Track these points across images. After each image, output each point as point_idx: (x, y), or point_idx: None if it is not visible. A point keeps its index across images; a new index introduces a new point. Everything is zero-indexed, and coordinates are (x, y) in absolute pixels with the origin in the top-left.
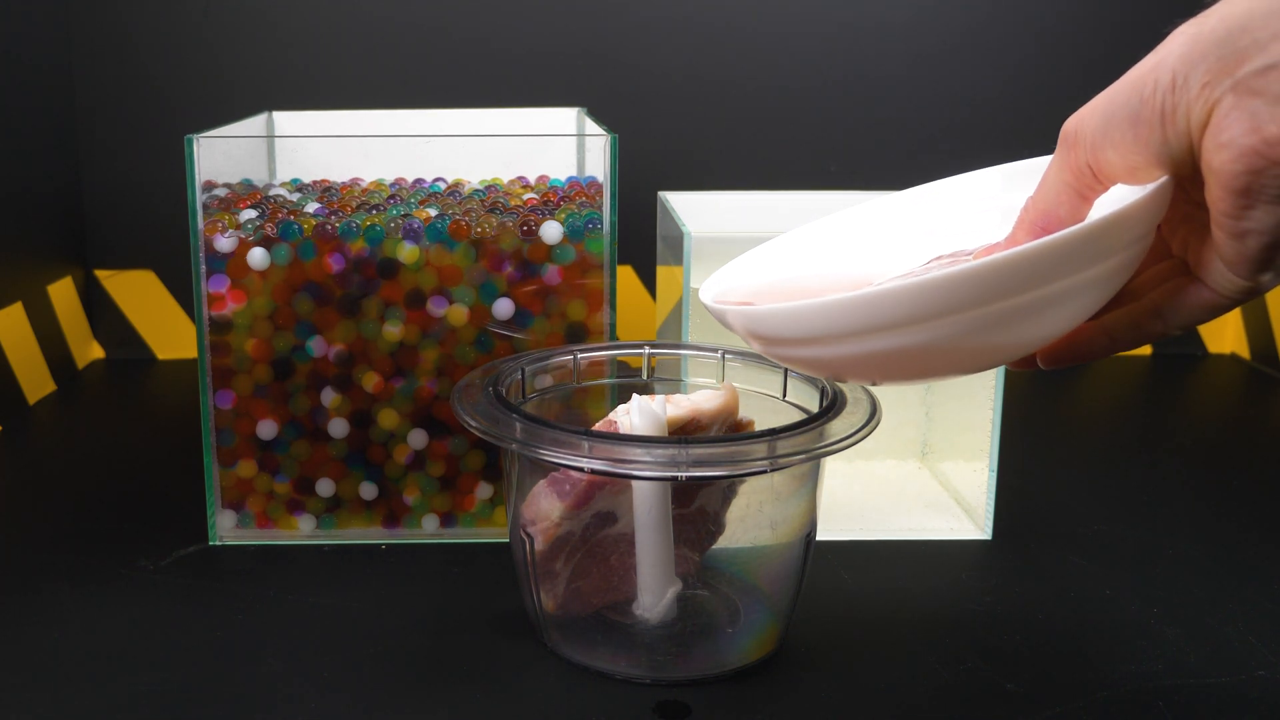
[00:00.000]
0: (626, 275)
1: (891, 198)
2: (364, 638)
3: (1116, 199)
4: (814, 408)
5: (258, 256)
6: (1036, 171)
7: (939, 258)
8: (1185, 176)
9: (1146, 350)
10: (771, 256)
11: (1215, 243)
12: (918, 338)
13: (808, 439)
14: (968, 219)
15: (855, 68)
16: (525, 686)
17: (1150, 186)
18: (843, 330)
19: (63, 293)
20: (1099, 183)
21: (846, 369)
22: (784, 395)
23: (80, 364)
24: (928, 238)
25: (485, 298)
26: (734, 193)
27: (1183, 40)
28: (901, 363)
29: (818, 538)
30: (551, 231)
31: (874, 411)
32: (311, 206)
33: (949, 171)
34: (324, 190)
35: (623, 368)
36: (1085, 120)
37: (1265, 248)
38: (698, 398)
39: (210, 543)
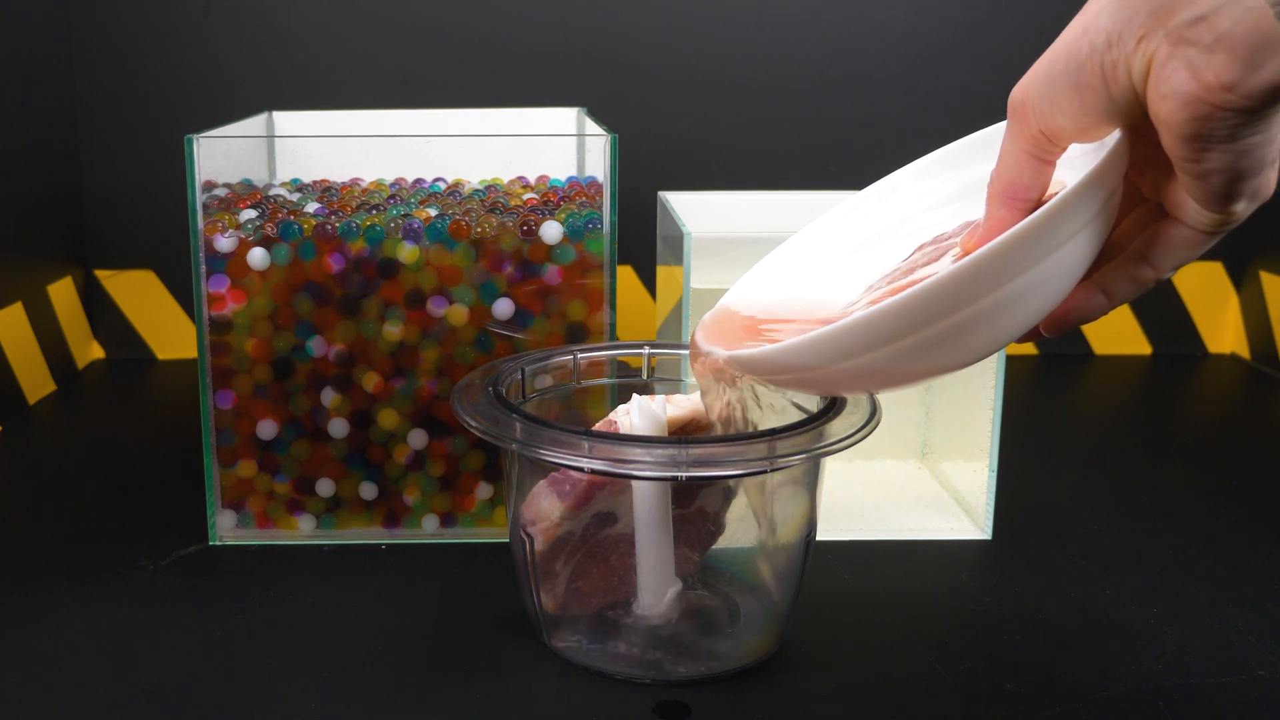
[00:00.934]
0: (626, 275)
1: (857, 198)
2: (364, 638)
3: (1075, 156)
4: (814, 408)
5: (258, 256)
6: (990, 139)
7: (921, 246)
8: (1138, 124)
9: (1146, 350)
10: (760, 281)
11: (1183, 184)
12: (917, 344)
13: (808, 439)
14: (937, 201)
15: (855, 68)
16: (525, 686)
17: (1106, 146)
18: (836, 357)
19: (63, 293)
20: (1055, 146)
21: (843, 386)
22: (787, 395)
23: (80, 364)
24: (905, 225)
25: (485, 298)
26: (734, 193)
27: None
28: (912, 365)
29: (818, 538)
30: (551, 231)
31: (874, 412)
32: (311, 206)
33: None
34: (324, 190)
35: (623, 368)
36: (1029, 89)
37: (1229, 183)
38: (698, 398)
39: (210, 543)
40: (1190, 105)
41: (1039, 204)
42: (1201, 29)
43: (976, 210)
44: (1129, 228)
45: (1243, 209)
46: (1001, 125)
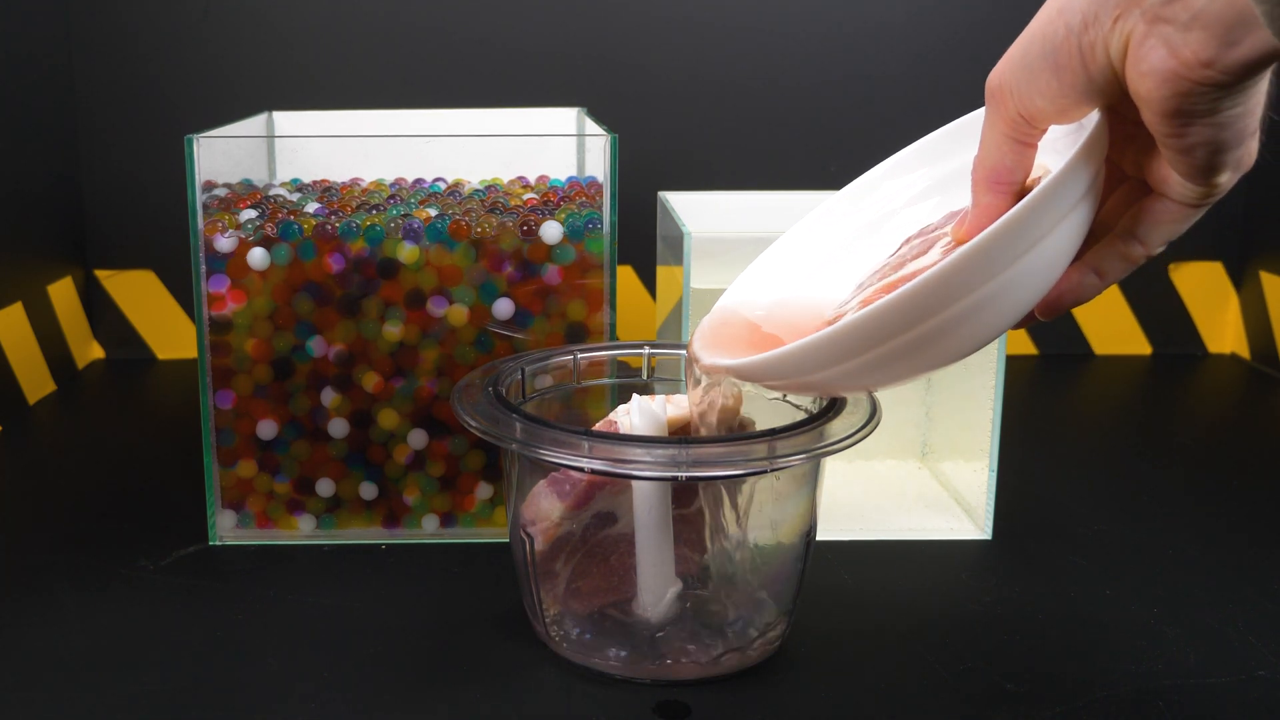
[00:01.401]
0: (626, 275)
1: (837, 197)
2: (364, 638)
3: (1055, 138)
4: (814, 408)
5: (258, 256)
6: (961, 132)
7: (908, 240)
8: (1116, 103)
9: (1146, 350)
10: (754, 283)
11: (1166, 159)
12: (918, 338)
13: (808, 439)
14: (917, 194)
15: (855, 68)
16: (525, 686)
17: (1086, 127)
18: (835, 359)
19: (63, 293)
20: (1034, 128)
21: (844, 387)
22: (785, 395)
23: (80, 364)
24: (887, 221)
25: (485, 298)
26: (734, 193)
27: None
28: (913, 360)
29: (818, 538)
30: (551, 231)
31: (874, 411)
32: (311, 206)
33: None
34: (324, 190)
35: (623, 368)
36: (1006, 73)
37: (1212, 155)
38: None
39: (210, 543)
40: (1170, 82)
41: (1023, 187)
42: (1177, 7)
43: (957, 201)
44: (1114, 207)
45: (1226, 180)
46: (973, 115)
